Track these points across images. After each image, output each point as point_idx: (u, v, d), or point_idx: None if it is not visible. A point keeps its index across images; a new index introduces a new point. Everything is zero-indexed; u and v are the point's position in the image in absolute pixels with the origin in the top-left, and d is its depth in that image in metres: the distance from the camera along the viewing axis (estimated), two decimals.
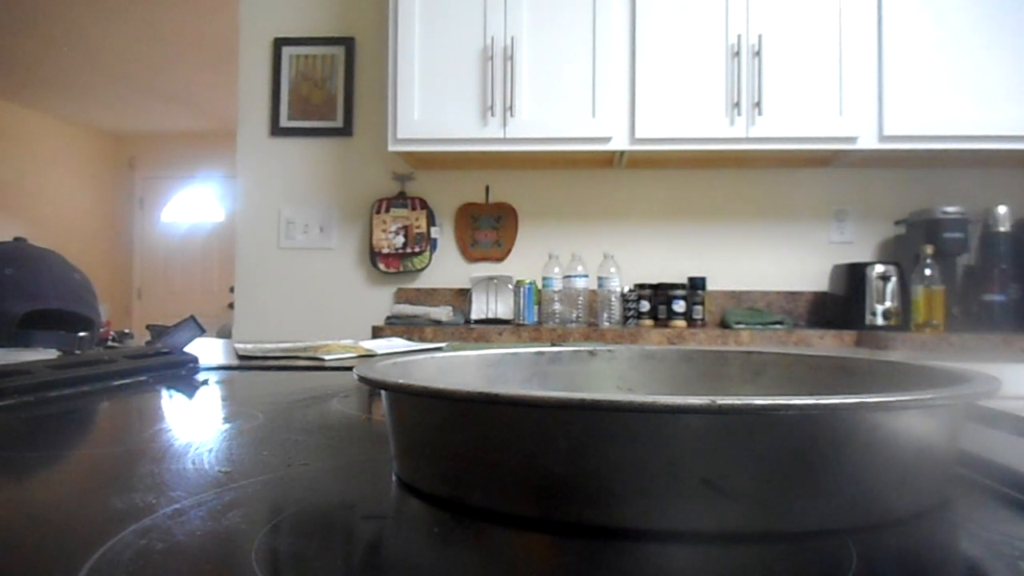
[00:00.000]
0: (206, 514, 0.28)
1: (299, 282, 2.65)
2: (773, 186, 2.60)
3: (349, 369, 0.82)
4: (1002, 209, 2.28)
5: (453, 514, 0.28)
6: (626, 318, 2.40)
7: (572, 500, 0.26)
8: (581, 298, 2.38)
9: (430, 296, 2.62)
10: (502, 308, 2.46)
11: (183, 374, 0.77)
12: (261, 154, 2.66)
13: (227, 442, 0.43)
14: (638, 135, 2.27)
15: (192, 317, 0.99)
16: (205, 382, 0.73)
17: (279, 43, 2.65)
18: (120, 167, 7.00)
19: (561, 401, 0.26)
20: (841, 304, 2.39)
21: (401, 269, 2.59)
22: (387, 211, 2.59)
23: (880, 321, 2.24)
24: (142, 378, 0.70)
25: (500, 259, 2.62)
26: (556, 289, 2.40)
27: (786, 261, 2.60)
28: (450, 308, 2.42)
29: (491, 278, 2.51)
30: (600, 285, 2.38)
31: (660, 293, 2.38)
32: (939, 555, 0.26)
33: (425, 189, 2.63)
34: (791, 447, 0.25)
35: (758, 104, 2.22)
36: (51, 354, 0.77)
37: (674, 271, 2.54)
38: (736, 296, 2.57)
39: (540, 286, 2.42)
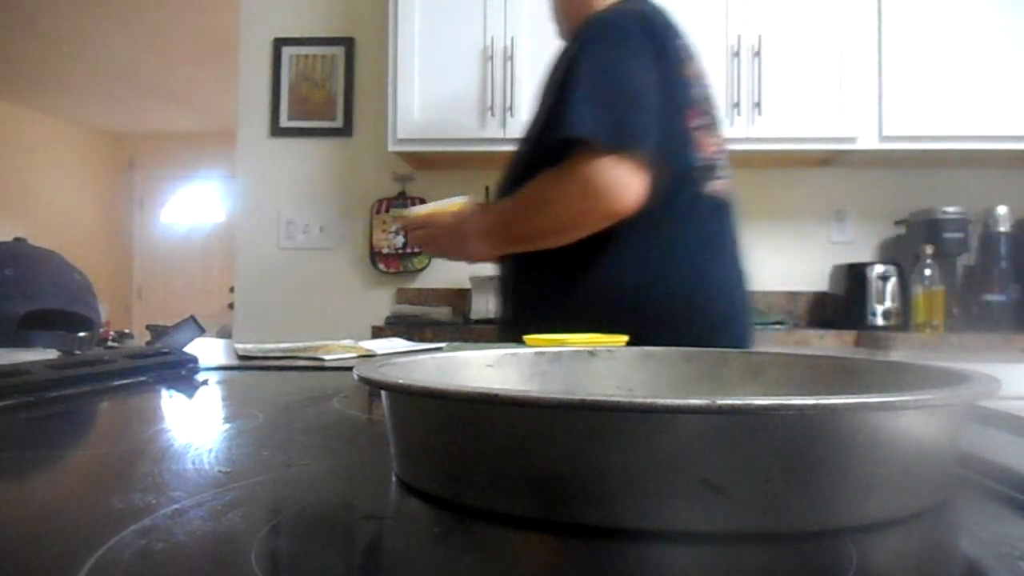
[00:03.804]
0: (206, 514, 0.28)
1: (299, 282, 2.65)
2: (773, 186, 2.60)
3: (349, 369, 0.82)
4: (1002, 209, 2.28)
5: (453, 514, 0.28)
6: None
7: (572, 500, 0.26)
8: None
9: (430, 296, 2.62)
10: None
11: (183, 374, 0.77)
12: (261, 154, 2.66)
13: (227, 442, 0.43)
14: None
15: (192, 317, 0.99)
16: (205, 382, 0.73)
17: (279, 43, 2.64)
18: (120, 167, 7.00)
19: (561, 401, 0.26)
20: (841, 304, 2.39)
21: (401, 269, 2.59)
22: (387, 211, 2.59)
23: (880, 321, 2.24)
24: (142, 378, 0.70)
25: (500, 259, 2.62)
26: None
27: (786, 261, 2.60)
28: (450, 308, 2.42)
29: (491, 278, 2.51)
30: None
31: None
32: (939, 555, 0.26)
33: (425, 189, 2.63)
34: (791, 447, 0.25)
35: (758, 104, 2.22)
36: (51, 354, 0.77)
37: None
38: None
39: None
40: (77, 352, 0.83)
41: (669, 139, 1.09)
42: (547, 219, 1.11)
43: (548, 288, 1.19)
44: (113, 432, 0.52)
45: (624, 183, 1.03)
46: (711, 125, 1.18)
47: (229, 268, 3.06)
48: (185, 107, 6.09)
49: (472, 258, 1.27)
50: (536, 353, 0.47)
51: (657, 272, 1.12)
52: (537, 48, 2.28)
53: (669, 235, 1.12)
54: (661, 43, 1.14)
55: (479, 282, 2.51)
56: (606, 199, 1.03)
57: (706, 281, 1.15)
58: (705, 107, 1.17)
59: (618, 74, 1.08)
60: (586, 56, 1.10)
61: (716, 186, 1.17)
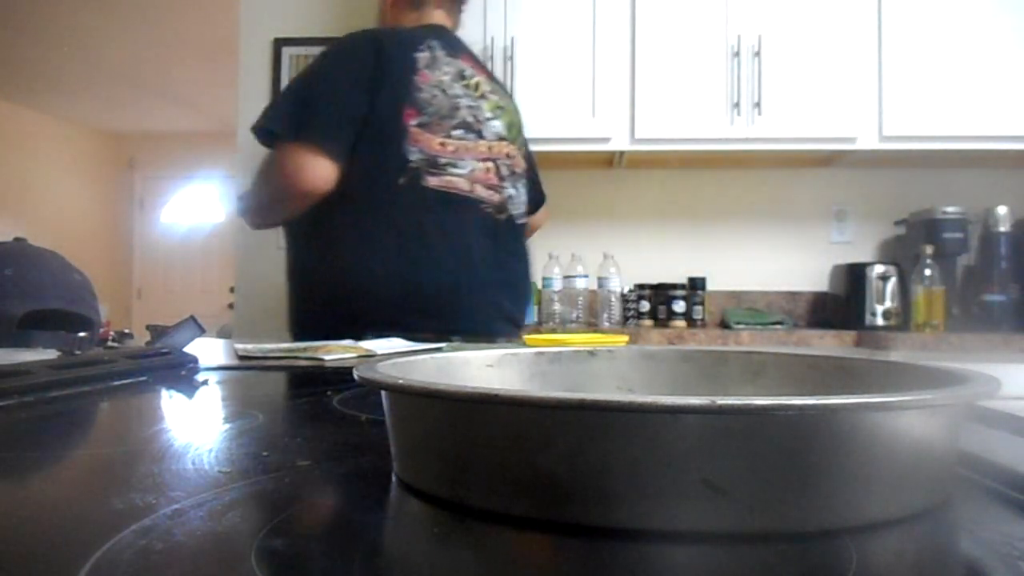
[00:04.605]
0: (206, 514, 0.28)
1: None
2: (773, 186, 2.60)
3: (349, 369, 0.82)
4: (1002, 209, 2.28)
5: (453, 514, 0.28)
6: (626, 318, 2.40)
7: (572, 500, 0.26)
8: (581, 298, 2.38)
9: None
10: None
11: (183, 374, 0.77)
12: (261, 154, 2.66)
13: (227, 442, 0.43)
14: (638, 135, 2.27)
15: (192, 317, 0.99)
16: (205, 382, 0.73)
17: (279, 43, 2.64)
18: (120, 167, 7.00)
19: (561, 401, 0.26)
20: (841, 304, 2.39)
21: None
22: None
23: (880, 321, 2.24)
24: (142, 378, 0.70)
25: None
26: (556, 289, 2.40)
27: (786, 261, 2.60)
28: None
29: None
30: (600, 285, 2.38)
31: (660, 293, 2.38)
32: (939, 555, 0.26)
33: None
34: (791, 447, 0.25)
35: (758, 104, 2.22)
36: (51, 354, 0.77)
37: (674, 271, 2.54)
38: (736, 296, 2.57)
39: (540, 286, 2.42)
40: (77, 352, 0.83)
41: (379, 133, 1.29)
42: (261, 195, 1.39)
43: (292, 274, 1.48)
44: (113, 432, 0.52)
45: (303, 165, 1.27)
46: (438, 124, 1.33)
47: (229, 268, 3.06)
48: (185, 107, 6.09)
49: (253, 227, 1.57)
50: (536, 353, 0.47)
51: (364, 255, 1.30)
52: (537, 48, 2.28)
53: (383, 222, 1.30)
54: (388, 58, 1.33)
55: None
56: (292, 179, 1.28)
57: (410, 266, 1.30)
58: (432, 109, 1.33)
59: (317, 82, 1.33)
60: (308, 67, 1.38)
61: (443, 180, 1.32)
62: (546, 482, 0.26)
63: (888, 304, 2.25)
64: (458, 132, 1.35)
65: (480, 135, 1.38)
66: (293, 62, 2.64)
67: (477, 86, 1.42)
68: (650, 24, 2.27)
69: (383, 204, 1.29)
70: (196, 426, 0.51)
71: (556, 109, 2.27)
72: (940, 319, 2.14)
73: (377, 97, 1.29)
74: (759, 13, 2.24)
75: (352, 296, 1.31)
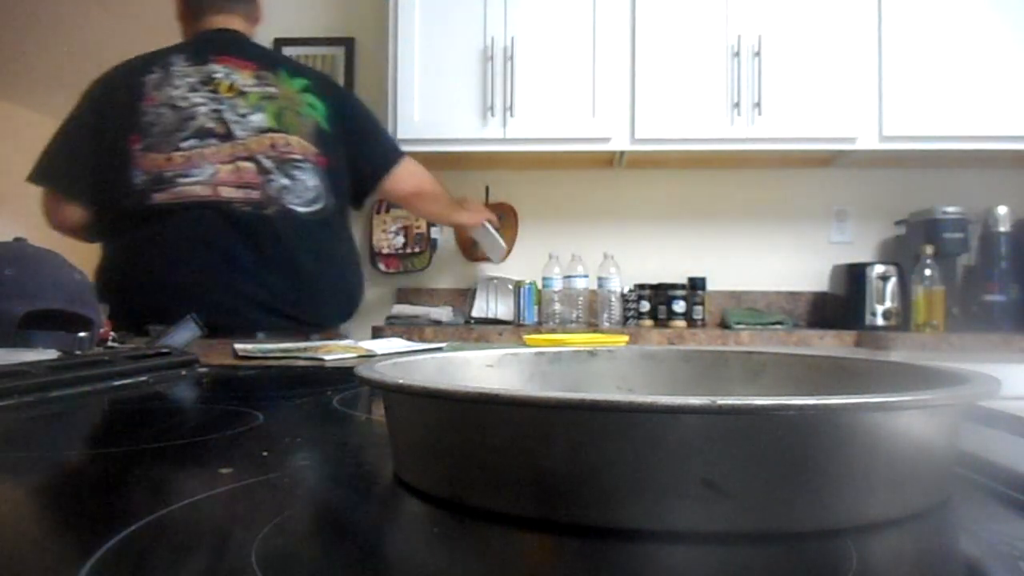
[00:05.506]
0: (206, 514, 0.28)
1: None
2: (773, 186, 2.60)
3: (349, 369, 0.82)
4: (1002, 209, 2.28)
5: (453, 514, 0.28)
6: (626, 318, 2.40)
7: (572, 500, 0.26)
8: (581, 298, 2.38)
9: (430, 296, 2.62)
10: (502, 308, 2.46)
11: (183, 374, 0.77)
12: None
13: (227, 442, 0.43)
14: (638, 135, 2.27)
15: (192, 317, 0.99)
16: (205, 382, 0.73)
17: (279, 43, 2.64)
18: None
19: (561, 401, 0.26)
20: (841, 304, 2.39)
21: (401, 269, 2.59)
22: (387, 211, 2.59)
23: (880, 321, 2.24)
24: (142, 378, 0.70)
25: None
26: (556, 289, 2.40)
27: (786, 261, 2.60)
28: (450, 308, 2.42)
29: (491, 278, 2.51)
30: (600, 285, 2.38)
31: (660, 293, 2.38)
32: (939, 555, 0.26)
33: None
34: (791, 447, 0.25)
35: (758, 104, 2.22)
36: (51, 354, 0.77)
37: (674, 271, 2.54)
38: (736, 296, 2.57)
39: (540, 286, 2.42)
40: (77, 352, 0.83)
41: (108, 166, 1.40)
42: None
43: None
44: (113, 432, 0.52)
45: (51, 210, 1.49)
46: (165, 142, 1.39)
47: None
48: None
49: None
50: (536, 353, 0.47)
51: (112, 270, 1.43)
52: (537, 48, 2.28)
53: (120, 240, 1.42)
54: (115, 90, 1.44)
55: (479, 282, 2.51)
56: (48, 221, 1.51)
57: (146, 274, 1.39)
58: (158, 128, 1.40)
59: (60, 132, 1.48)
60: None
61: (171, 194, 1.38)
62: (546, 482, 0.26)
63: (888, 304, 2.25)
64: (190, 142, 1.39)
65: (228, 136, 1.41)
66: None
67: (231, 86, 1.44)
68: (650, 24, 2.27)
69: (117, 226, 1.41)
70: (196, 426, 0.51)
71: (556, 109, 2.27)
72: (940, 319, 2.14)
73: (104, 133, 1.41)
74: (759, 13, 2.24)
75: (110, 303, 1.43)
